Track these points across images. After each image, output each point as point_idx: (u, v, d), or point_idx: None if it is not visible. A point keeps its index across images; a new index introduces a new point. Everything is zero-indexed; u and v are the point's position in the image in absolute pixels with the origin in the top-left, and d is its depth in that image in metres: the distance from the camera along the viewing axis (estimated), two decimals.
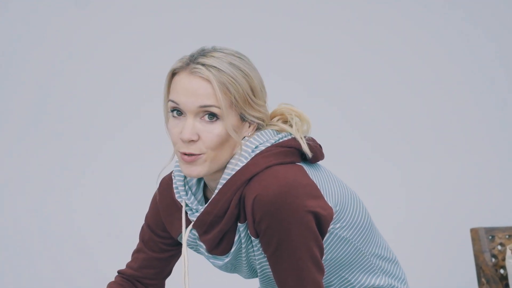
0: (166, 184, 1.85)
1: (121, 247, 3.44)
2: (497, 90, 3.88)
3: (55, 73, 3.83)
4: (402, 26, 3.86)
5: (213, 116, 1.65)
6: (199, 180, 1.78)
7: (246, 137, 1.71)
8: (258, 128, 1.73)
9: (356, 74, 3.85)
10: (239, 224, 1.70)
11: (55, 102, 3.83)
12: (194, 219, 1.75)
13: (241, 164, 1.68)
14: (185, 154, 1.66)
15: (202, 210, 1.72)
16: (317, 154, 1.75)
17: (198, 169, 1.66)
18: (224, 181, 1.69)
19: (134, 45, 3.82)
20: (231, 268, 1.82)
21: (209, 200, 1.71)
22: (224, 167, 1.70)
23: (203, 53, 1.68)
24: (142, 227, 1.92)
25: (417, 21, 3.86)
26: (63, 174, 3.82)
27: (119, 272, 1.95)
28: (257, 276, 1.85)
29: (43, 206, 3.81)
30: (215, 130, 1.65)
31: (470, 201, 3.82)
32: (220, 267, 1.82)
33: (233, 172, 1.68)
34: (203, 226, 1.73)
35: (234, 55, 1.69)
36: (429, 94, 3.87)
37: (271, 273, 1.76)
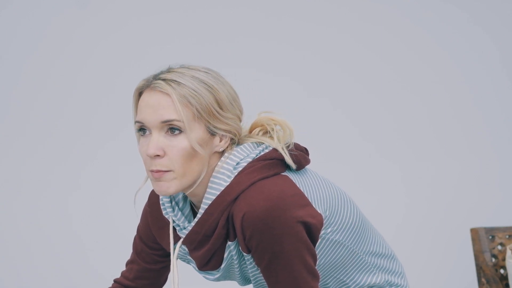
0: (155, 198, 1.84)
1: (118, 248, 3.44)
2: (497, 90, 3.88)
3: (54, 73, 3.83)
4: (402, 26, 3.86)
5: (176, 130, 1.63)
6: (185, 195, 1.77)
7: (226, 154, 1.69)
8: (237, 143, 1.71)
9: (356, 74, 3.85)
10: (229, 242, 1.70)
11: (53, 103, 3.83)
12: (182, 235, 1.74)
13: (225, 184, 1.66)
14: (153, 171, 1.64)
15: (190, 228, 1.71)
16: (301, 162, 1.73)
17: (167, 185, 1.65)
18: (209, 201, 1.67)
19: (134, 46, 3.82)
20: (224, 279, 1.82)
21: (196, 220, 1.70)
22: (206, 184, 1.68)
23: (167, 70, 1.68)
24: (135, 238, 1.92)
25: (417, 21, 3.86)
26: (60, 176, 3.81)
27: (115, 281, 1.95)
28: (249, 283, 1.85)
29: (40, 207, 3.81)
30: (180, 144, 1.63)
31: (470, 201, 3.82)
32: (213, 280, 1.82)
33: (218, 192, 1.66)
34: (192, 244, 1.72)
35: (199, 70, 1.68)
36: (429, 94, 3.86)
37: (265, 281, 1.76)
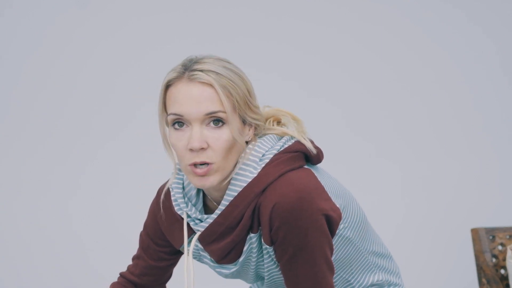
0: (164, 194, 1.82)
1: (118, 248, 3.44)
2: (497, 90, 3.88)
3: (54, 73, 3.83)
4: (402, 26, 3.86)
5: (219, 121, 1.62)
6: (198, 191, 1.76)
7: (250, 146, 1.68)
8: (259, 135, 1.71)
9: (355, 74, 3.85)
10: (251, 234, 1.69)
11: (53, 103, 3.83)
12: (199, 229, 1.73)
13: (251, 175, 1.66)
14: (196, 166, 1.62)
15: (211, 221, 1.70)
16: (320, 155, 1.75)
17: (211, 179, 1.63)
18: (234, 193, 1.66)
19: (134, 46, 3.82)
20: (236, 275, 1.81)
21: (219, 212, 1.69)
22: (228, 177, 1.67)
23: (195, 60, 1.65)
24: (141, 234, 1.91)
25: (417, 21, 3.86)
26: (60, 176, 3.81)
27: (121, 274, 1.95)
28: (258, 281, 1.84)
29: (40, 207, 3.81)
30: (223, 135, 1.62)
31: (470, 201, 3.82)
32: (226, 276, 1.81)
33: (243, 184, 1.65)
34: (212, 236, 1.71)
35: (223, 60, 1.67)
36: (429, 94, 3.86)
37: (279, 278, 1.75)
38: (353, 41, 3.84)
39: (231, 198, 1.67)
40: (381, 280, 1.86)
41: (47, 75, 3.82)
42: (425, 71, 3.86)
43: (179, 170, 1.78)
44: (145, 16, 3.82)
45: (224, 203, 1.68)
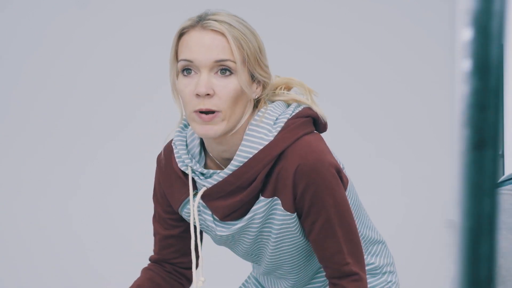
0: (163, 156, 1.82)
1: (118, 248, 3.44)
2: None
3: (54, 73, 3.82)
4: (402, 26, 3.86)
5: (227, 71, 1.63)
6: (201, 150, 1.75)
7: (262, 110, 1.69)
8: (263, 96, 1.72)
9: (356, 74, 3.85)
10: (261, 197, 1.68)
11: (53, 103, 3.83)
12: (205, 184, 1.72)
13: (267, 138, 1.66)
14: (202, 112, 1.62)
15: (219, 179, 1.69)
16: (326, 124, 1.79)
17: (215, 128, 1.62)
18: (246, 154, 1.66)
19: (134, 46, 3.82)
20: (232, 241, 1.79)
21: (229, 171, 1.68)
22: (241, 135, 1.67)
23: (210, 12, 1.71)
24: (154, 209, 1.89)
25: (417, 21, 3.86)
26: (60, 176, 3.81)
27: (149, 259, 1.94)
28: (250, 256, 1.82)
29: (40, 207, 3.81)
30: (230, 84, 1.63)
31: None
32: (220, 238, 1.79)
33: (259, 146, 1.66)
34: (219, 193, 1.71)
35: (239, 17, 1.73)
36: (429, 93, 3.86)
37: (288, 249, 1.74)
38: (353, 41, 3.84)
39: (244, 160, 1.66)
40: (372, 263, 1.85)
41: (47, 75, 3.82)
42: (425, 71, 3.86)
43: (182, 129, 1.77)
44: (145, 16, 3.82)
45: (236, 163, 1.67)
